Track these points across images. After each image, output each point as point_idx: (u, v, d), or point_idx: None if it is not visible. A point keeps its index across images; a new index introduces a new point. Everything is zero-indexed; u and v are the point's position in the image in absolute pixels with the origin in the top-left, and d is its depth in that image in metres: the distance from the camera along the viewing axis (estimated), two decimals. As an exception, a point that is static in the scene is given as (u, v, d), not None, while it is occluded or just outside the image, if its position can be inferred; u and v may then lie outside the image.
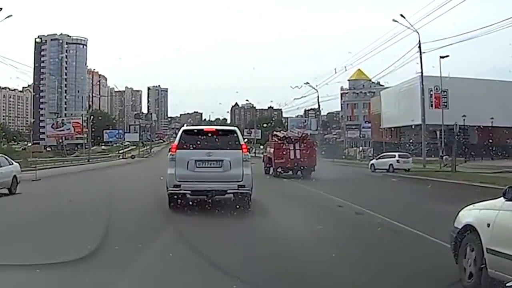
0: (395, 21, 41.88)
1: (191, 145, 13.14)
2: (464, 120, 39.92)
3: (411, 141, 61.16)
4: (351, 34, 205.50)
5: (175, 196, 13.10)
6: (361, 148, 78.54)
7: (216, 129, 14.39)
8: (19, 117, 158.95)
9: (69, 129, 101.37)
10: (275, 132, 36.07)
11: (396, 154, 40.35)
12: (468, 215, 6.44)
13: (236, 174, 12.92)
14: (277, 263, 7.71)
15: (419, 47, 40.66)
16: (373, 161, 42.77)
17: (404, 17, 41.74)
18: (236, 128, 14.27)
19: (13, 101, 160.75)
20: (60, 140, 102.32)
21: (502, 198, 5.84)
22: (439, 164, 37.37)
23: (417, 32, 41.99)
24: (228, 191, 13.20)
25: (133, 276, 6.89)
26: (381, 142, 66.19)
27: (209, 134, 13.61)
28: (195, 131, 14.40)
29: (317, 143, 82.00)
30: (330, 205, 15.87)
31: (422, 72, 42.11)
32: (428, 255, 8.23)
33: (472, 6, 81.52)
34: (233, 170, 12.94)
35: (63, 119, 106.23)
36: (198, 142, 13.18)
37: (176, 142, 13.48)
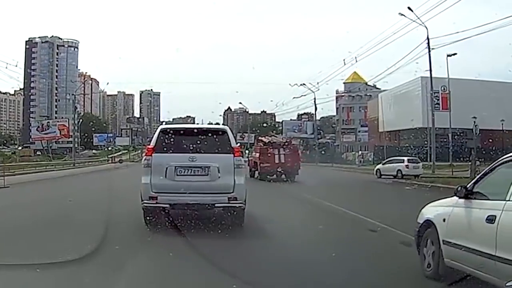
0: (402, 14, 39.18)
1: (170, 148, 10.78)
2: (474, 122, 37.85)
3: (411, 144, 59.34)
4: (351, 34, 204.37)
5: (151, 211, 10.76)
6: (360, 152, 75.78)
7: (202, 129, 12.13)
8: (10, 121, 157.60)
9: (55, 132, 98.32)
10: (260, 137, 37.41)
11: (405, 158, 37.06)
12: (429, 211, 7.27)
13: (226, 184, 10.58)
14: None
15: (428, 42, 37.68)
16: (379, 166, 39.73)
17: (412, 10, 39.12)
18: (226, 127, 11.86)
19: (4, 105, 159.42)
20: (48, 143, 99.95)
21: (455, 196, 6.56)
22: (451, 170, 34.65)
23: (425, 27, 39.18)
24: (216, 205, 10.80)
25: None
26: (382, 146, 64.00)
27: (193, 135, 11.25)
28: (176, 130, 11.55)
29: (314, 146, 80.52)
30: (359, 228, 12.04)
31: (430, 70, 38.99)
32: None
33: (472, 7, 79.79)
34: (222, 179, 10.61)
35: (48, 122, 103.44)
36: (180, 144, 10.84)
37: (152, 144, 11.06)
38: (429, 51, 38.01)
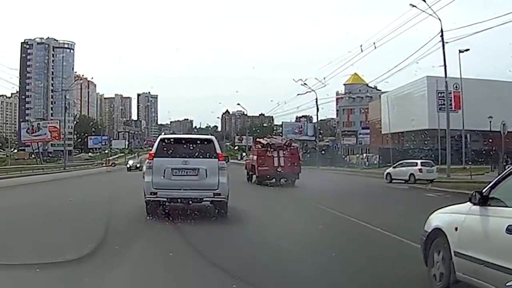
0: (413, 6, 36.11)
1: (168, 153, 13.25)
2: (490, 123, 35.43)
3: (416, 147, 57.21)
4: (351, 34, 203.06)
5: (152, 203, 13.20)
6: (364, 155, 73.08)
7: (193, 138, 14.72)
8: (7, 123, 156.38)
9: (45, 134, 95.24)
10: (258, 139, 35.21)
11: (418, 161, 34.63)
12: (437, 219, 6.62)
13: (212, 183, 12.99)
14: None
15: (442, 35, 34.79)
16: (389, 170, 36.78)
17: (424, 0, 36.03)
18: (212, 137, 14.47)
19: (1, 107, 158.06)
20: (44, 146, 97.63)
21: (469, 202, 5.92)
22: (467, 173, 32.17)
23: (439, 18, 36.11)
24: (204, 199, 13.30)
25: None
26: (388, 148, 61.63)
27: (186, 143, 13.75)
28: (172, 139, 14.43)
29: (314, 148, 78.14)
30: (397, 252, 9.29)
31: (445, 65, 35.68)
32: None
33: (473, 6, 77.86)
34: (209, 178, 13.01)
35: (38, 123, 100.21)
36: (175, 150, 13.32)
37: (153, 150, 13.67)
38: (443, 45, 34.93)
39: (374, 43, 44.69)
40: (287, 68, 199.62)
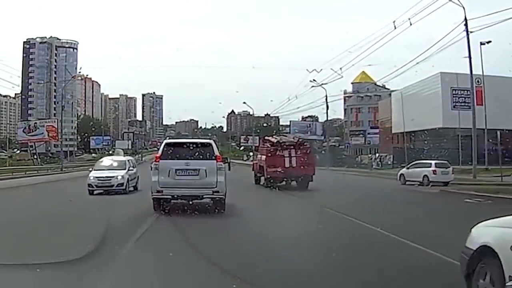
0: None
1: (172, 156, 14.89)
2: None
3: (427, 146, 55.02)
4: (351, 34, 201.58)
5: (158, 200, 14.80)
6: (377, 154, 70.72)
7: (194, 142, 16.20)
8: (11, 124, 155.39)
9: (42, 133, 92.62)
10: (267, 137, 33.12)
11: (432, 162, 32.29)
12: (485, 233, 5.45)
13: (211, 182, 14.55)
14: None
15: (466, 24, 32.50)
16: (403, 171, 34.71)
17: None
18: (211, 141, 16.02)
19: (5, 108, 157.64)
20: (35, 146, 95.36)
21: None
22: (496, 174, 30.03)
23: (463, 7, 34.13)
24: (204, 196, 14.96)
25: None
26: (402, 148, 59.43)
27: (188, 146, 15.41)
28: (176, 143, 16.30)
29: (323, 148, 76.24)
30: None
31: (470, 57, 33.28)
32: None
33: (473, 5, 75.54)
34: (208, 178, 14.57)
35: (35, 123, 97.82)
36: (178, 153, 14.97)
37: (159, 153, 15.29)
38: (467, 34, 32.48)
39: (409, 18, 40.26)
40: (287, 68, 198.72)
